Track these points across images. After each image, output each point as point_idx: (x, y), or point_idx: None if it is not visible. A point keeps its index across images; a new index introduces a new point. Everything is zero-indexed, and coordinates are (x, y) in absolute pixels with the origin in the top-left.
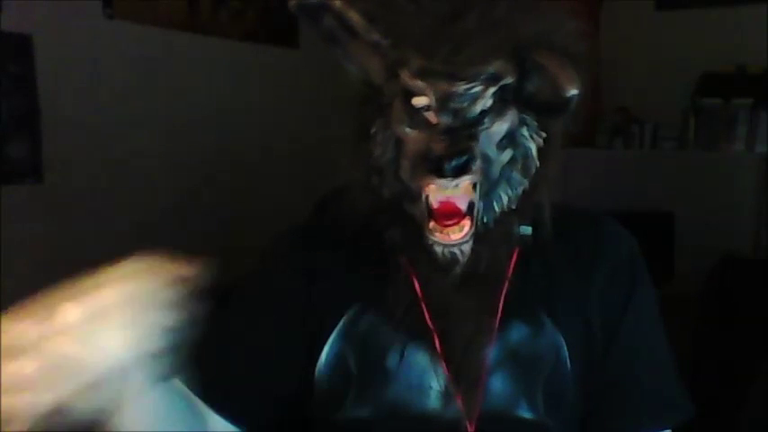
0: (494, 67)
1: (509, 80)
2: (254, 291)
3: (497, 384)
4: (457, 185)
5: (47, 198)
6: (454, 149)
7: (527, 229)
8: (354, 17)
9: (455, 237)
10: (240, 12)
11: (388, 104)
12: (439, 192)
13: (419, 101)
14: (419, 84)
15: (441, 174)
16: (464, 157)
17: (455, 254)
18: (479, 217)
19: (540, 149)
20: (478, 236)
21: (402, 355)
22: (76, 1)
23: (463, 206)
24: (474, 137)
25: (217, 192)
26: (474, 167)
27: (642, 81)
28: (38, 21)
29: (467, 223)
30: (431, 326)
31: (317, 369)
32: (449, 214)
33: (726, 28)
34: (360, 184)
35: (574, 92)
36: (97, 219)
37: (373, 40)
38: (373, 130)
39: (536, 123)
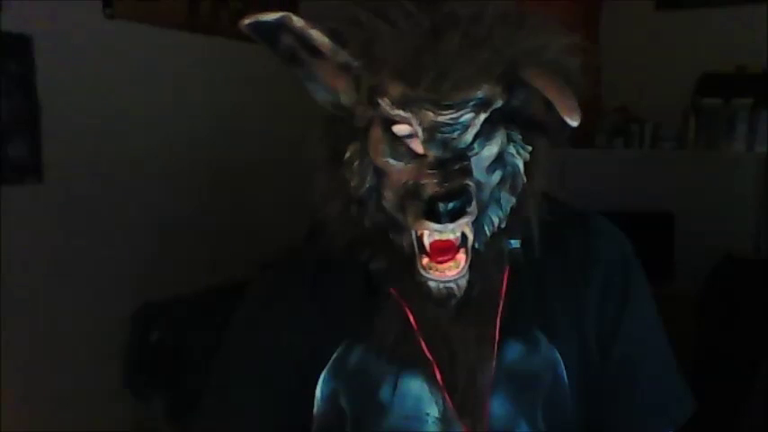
0: (483, 91)
1: (499, 103)
2: (240, 347)
3: (497, 406)
4: (453, 229)
5: (47, 198)
6: (448, 189)
7: (516, 244)
8: (318, 37)
9: (451, 273)
10: (240, 12)
11: (363, 129)
12: (435, 234)
13: (402, 129)
14: (402, 114)
15: (436, 219)
16: (459, 200)
17: (451, 288)
18: (472, 244)
19: (526, 164)
20: (471, 262)
21: (395, 386)
22: (76, 1)
23: (456, 239)
24: (467, 171)
25: (217, 191)
26: (470, 208)
27: (642, 81)
28: (38, 21)
29: (462, 258)
30: (429, 356)
31: (314, 408)
32: (443, 249)
33: (726, 28)
34: (338, 215)
35: (575, 123)
36: (97, 219)
37: (342, 62)
38: (347, 156)
39: (521, 137)
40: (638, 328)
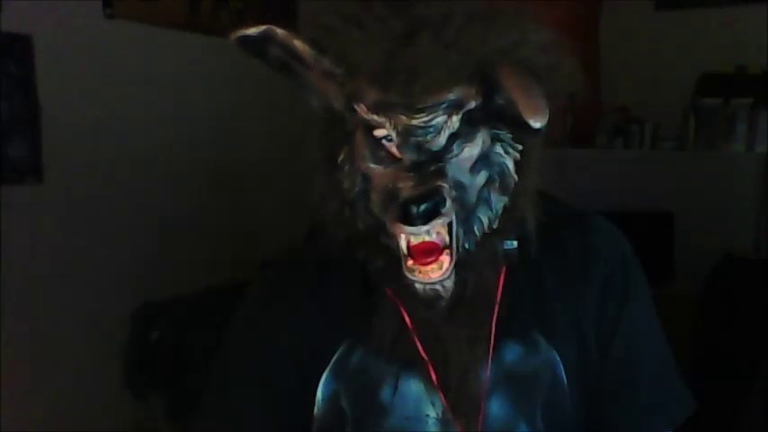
0: (455, 93)
1: (473, 104)
2: (240, 347)
3: (495, 407)
4: (428, 231)
5: (47, 198)
6: (421, 192)
7: (512, 244)
8: (300, 47)
9: (434, 275)
10: (240, 12)
11: (352, 132)
12: (411, 237)
13: (380, 133)
14: (377, 119)
15: (409, 221)
16: (431, 202)
17: (437, 290)
18: (460, 244)
19: (517, 162)
20: (461, 262)
21: (395, 387)
22: (76, 1)
23: (440, 241)
24: (441, 173)
25: (217, 191)
26: (444, 209)
27: (642, 81)
28: (38, 21)
29: (445, 259)
30: (424, 356)
31: (315, 408)
32: (427, 251)
33: (726, 28)
34: (334, 216)
35: (538, 124)
36: (97, 219)
37: (326, 69)
38: (340, 159)
39: (510, 136)
40: (638, 327)
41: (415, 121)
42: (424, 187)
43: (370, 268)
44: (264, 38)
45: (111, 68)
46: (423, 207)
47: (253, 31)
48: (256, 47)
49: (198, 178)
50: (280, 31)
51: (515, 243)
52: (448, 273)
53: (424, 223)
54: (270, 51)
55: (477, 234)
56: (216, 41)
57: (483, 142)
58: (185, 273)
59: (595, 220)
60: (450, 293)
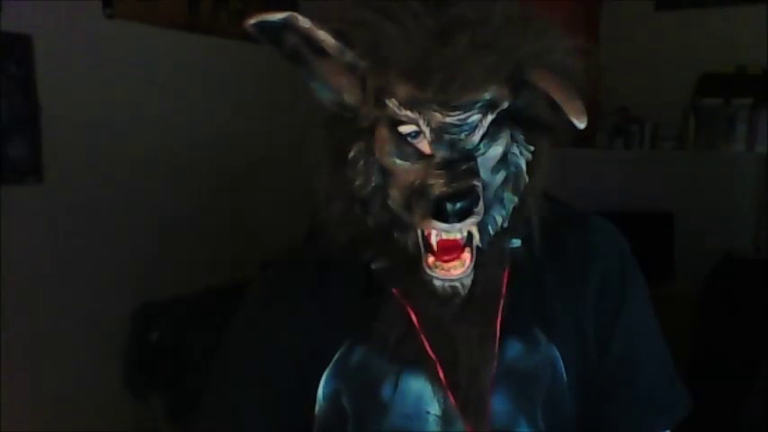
0: (490, 92)
1: (506, 104)
2: (240, 347)
3: (497, 404)
4: (460, 229)
5: (47, 198)
6: (456, 189)
7: (516, 242)
8: (326, 38)
9: (456, 272)
10: (240, 12)
11: (367, 128)
12: (442, 234)
13: (408, 129)
14: (410, 115)
15: (444, 218)
16: (467, 201)
17: (456, 287)
18: (477, 243)
19: (528, 163)
20: (475, 262)
21: (396, 385)
22: (76, 1)
23: (461, 238)
24: (474, 172)
25: (217, 191)
26: (477, 209)
27: (642, 81)
28: (38, 21)
29: (467, 257)
30: (432, 355)
31: (316, 407)
32: (449, 248)
33: (726, 28)
34: (340, 215)
35: (583, 124)
36: (97, 219)
37: (348, 62)
38: (351, 155)
39: (523, 137)
40: (635, 327)
41: (449, 119)
42: (459, 185)
43: (376, 268)
44: (285, 25)
45: (111, 68)
46: (459, 205)
47: (275, 16)
48: (274, 34)
49: (198, 178)
50: (303, 19)
51: (519, 242)
52: (469, 270)
53: (459, 221)
54: (286, 39)
55: (491, 233)
56: (216, 41)
57: (506, 142)
58: (185, 273)
59: (594, 219)
60: (466, 291)
